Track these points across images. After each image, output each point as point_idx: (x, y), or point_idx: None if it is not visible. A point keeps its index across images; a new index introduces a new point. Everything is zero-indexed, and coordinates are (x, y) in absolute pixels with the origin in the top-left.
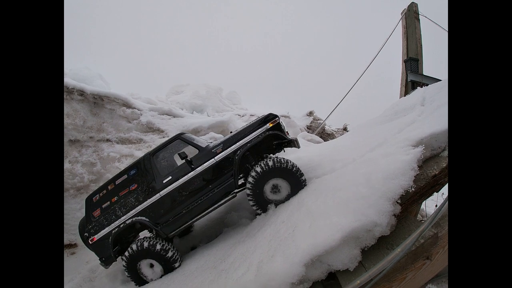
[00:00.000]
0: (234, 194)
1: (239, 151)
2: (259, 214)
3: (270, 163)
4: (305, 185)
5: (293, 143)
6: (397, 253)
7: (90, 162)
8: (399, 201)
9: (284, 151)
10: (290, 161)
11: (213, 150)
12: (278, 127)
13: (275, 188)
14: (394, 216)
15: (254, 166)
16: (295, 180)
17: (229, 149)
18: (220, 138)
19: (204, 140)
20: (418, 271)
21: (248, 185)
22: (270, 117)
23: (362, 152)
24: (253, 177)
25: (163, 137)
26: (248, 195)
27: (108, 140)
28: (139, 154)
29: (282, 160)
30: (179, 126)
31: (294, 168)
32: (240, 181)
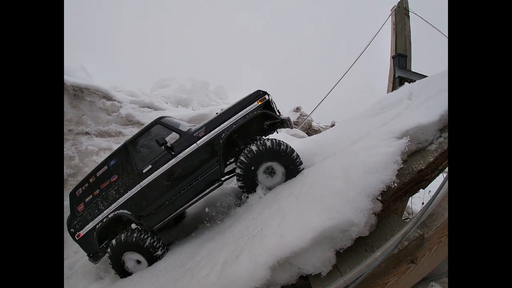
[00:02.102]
0: (220, 182)
1: (223, 134)
2: (239, 206)
3: (254, 148)
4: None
5: (285, 123)
6: (376, 257)
7: (69, 155)
8: (379, 198)
9: (277, 133)
10: (276, 140)
11: (194, 134)
12: (267, 105)
13: (270, 172)
14: (374, 215)
15: (243, 150)
16: (291, 163)
17: (212, 132)
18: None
19: (186, 124)
20: (402, 275)
21: (237, 170)
22: (258, 94)
23: (344, 146)
24: (241, 162)
25: None
26: (238, 179)
27: (87, 133)
28: None
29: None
30: None
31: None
32: (227, 168)
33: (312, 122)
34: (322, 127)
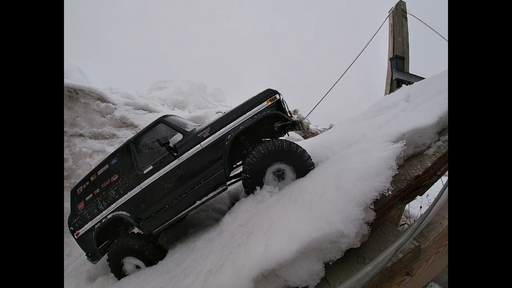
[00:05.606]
0: (225, 187)
1: (229, 136)
2: (229, 210)
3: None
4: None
5: (297, 125)
6: (367, 272)
7: None
8: (372, 207)
9: (288, 135)
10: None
11: (199, 135)
12: (278, 105)
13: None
14: (367, 225)
15: (250, 152)
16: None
17: (217, 132)
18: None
19: (191, 124)
20: None
21: (243, 171)
22: (268, 94)
23: (338, 149)
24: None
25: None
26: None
27: (81, 135)
28: (111, 149)
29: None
30: None
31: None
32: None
33: (310, 125)
34: (320, 130)
